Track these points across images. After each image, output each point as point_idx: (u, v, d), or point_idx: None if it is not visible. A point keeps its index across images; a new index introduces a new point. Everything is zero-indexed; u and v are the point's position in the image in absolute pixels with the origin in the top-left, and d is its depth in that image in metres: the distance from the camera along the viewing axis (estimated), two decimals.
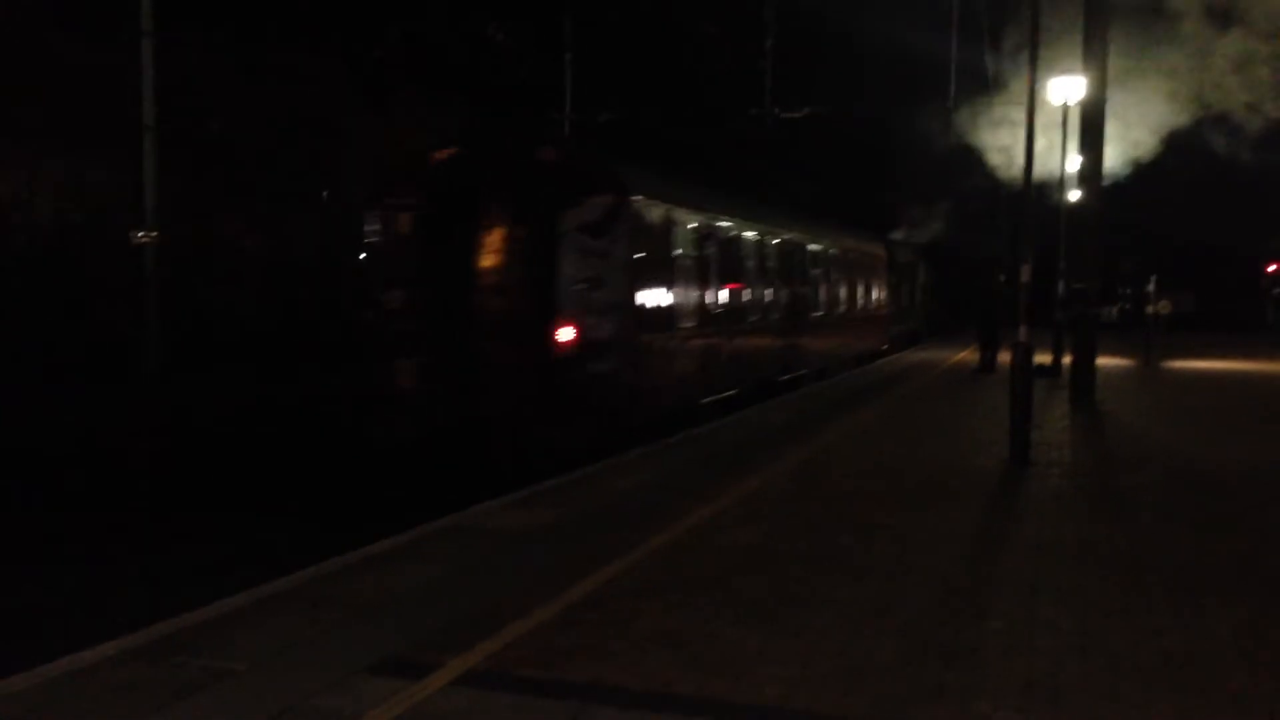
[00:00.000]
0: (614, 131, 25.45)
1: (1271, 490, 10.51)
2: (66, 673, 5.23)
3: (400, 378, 12.40)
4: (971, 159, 32.45)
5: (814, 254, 21.48)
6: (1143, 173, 28.07)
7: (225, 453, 14.14)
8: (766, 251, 18.09)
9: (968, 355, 27.01)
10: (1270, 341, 34.32)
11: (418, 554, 7.58)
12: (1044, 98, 17.70)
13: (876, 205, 38.57)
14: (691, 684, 5.14)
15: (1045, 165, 23.01)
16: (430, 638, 5.76)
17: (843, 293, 24.03)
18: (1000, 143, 30.31)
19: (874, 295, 27.62)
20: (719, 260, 15.60)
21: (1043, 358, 17.48)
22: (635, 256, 12.60)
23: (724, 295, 15.97)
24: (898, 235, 36.73)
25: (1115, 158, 25.48)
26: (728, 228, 16.25)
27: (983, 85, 26.32)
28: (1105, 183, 18.53)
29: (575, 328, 12.09)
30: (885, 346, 29.34)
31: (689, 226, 14.47)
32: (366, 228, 12.95)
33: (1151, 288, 29.28)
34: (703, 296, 15.02)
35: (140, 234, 16.09)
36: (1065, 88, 18.12)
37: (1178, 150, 27.72)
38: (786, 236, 19.49)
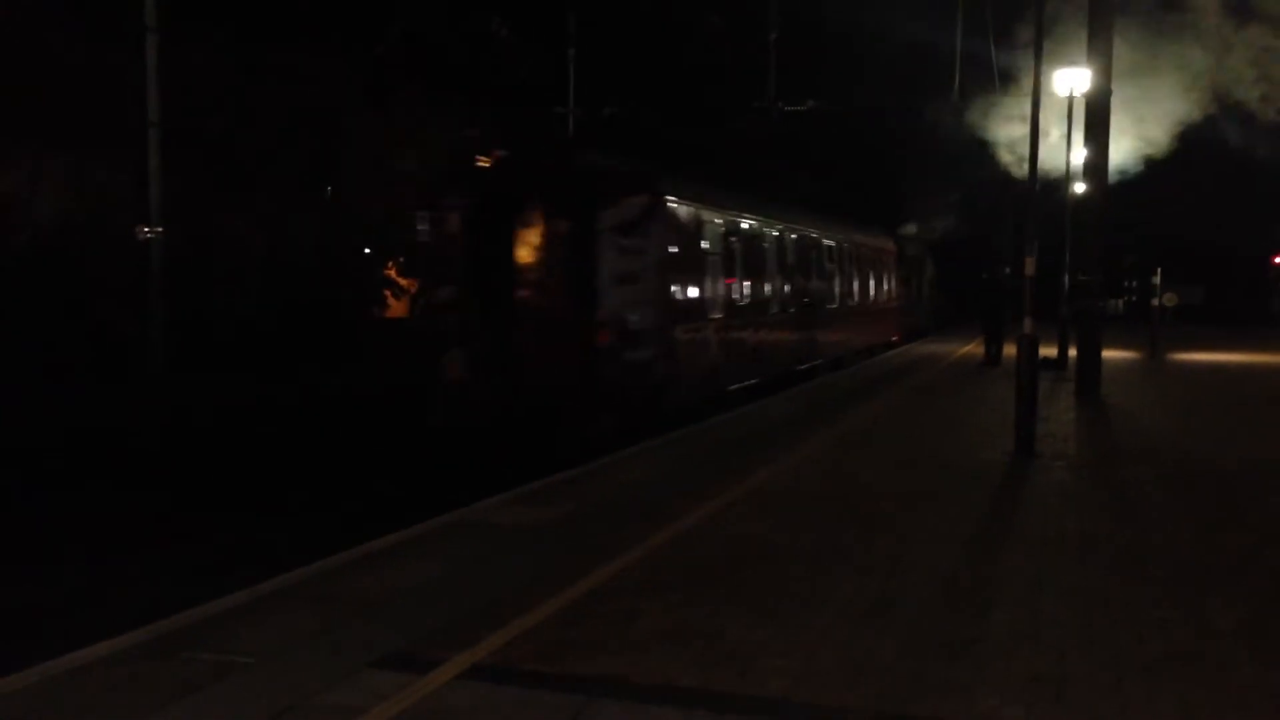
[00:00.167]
0: (617, 128, 25.39)
1: (1277, 483, 10.47)
2: (67, 670, 5.20)
3: (449, 370, 12.95)
4: (981, 154, 32.32)
5: (828, 249, 22.07)
6: (1154, 169, 27.95)
7: (224, 453, 14.14)
8: (785, 247, 18.74)
9: (974, 348, 26.96)
10: (1276, 333, 34.23)
11: (421, 550, 7.57)
12: (1050, 90, 17.68)
13: (884, 201, 38.52)
14: (694, 678, 5.11)
15: (1054, 160, 22.97)
16: (434, 633, 5.74)
17: (856, 286, 24.51)
18: (1010, 137, 30.17)
19: (885, 288, 28.17)
20: (742, 256, 16.32)
21: (1048, 351, 17.44)
22: (668, 252, 13.28)
23: (747, 288, 16.70)
24: (908, 229, 36.71)
25: (1128, 153, 25.43)
26: (749, 225, 16.89)
27: (990, 80, 26.12)
28: (1116, 179, 18.53)
29: (613, 320, 12.74)
30: (896, 338, 29.62)
31: (715, 224, 15.13)
32: (418, 228, 13.79)
33: (1157, 280, 29.23)
34: (728, 290, 15.73)
35: (146, 230, 16.08)
36: (1070, 79, 18.08)
37: (1190, 145, 27.59)
38: (803, 232, 20.02)
